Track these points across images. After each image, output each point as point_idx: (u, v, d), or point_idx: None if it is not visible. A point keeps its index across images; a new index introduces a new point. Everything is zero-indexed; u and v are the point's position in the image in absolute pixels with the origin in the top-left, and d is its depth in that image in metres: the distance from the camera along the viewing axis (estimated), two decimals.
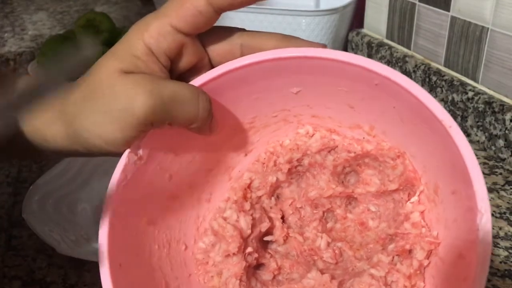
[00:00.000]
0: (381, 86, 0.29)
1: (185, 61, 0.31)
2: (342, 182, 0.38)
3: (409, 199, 0.34)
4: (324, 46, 0.31)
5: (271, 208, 0.38)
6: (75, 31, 0.89)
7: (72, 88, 0.31)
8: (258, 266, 0.37)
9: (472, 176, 0.26)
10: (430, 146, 0.30)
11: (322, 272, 0.34)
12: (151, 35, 0.29)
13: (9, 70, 1.04)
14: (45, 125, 0.32)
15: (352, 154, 0.36)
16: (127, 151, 0.30)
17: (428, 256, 0.32)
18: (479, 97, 0.65)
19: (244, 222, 0.35)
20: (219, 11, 0.29)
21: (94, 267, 0.49)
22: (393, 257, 0.33)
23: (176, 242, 0.35)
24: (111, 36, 0.89)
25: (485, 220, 0.25)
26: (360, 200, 0.37)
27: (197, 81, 0.31)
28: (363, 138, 0.35)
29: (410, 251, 0.33)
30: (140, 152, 0.31)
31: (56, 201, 0.55)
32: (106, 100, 0.29)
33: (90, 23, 0.88)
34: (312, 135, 0.37)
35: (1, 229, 0.52)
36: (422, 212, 0.33)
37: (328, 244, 0.36)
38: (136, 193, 0.32)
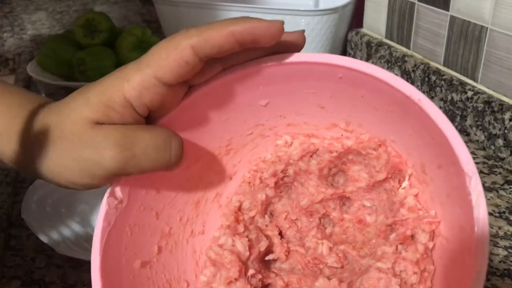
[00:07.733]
0: (345, 78, 0.29)
1: (164, 110, 0.30)
2: (332, 184, 0.38)
3: (400, 186, 0.34)
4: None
5: (266, 226, 0.37)
6: (74, 31, 0.89)
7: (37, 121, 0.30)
8: (265, 287, 0.36)
9: (451, 142, 0.25)
10: (407, 126, 0.30)
11: (329, 278, 0.34)
12: (132, 87, 0.27)
13: None
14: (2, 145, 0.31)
15: (335, 154, 0.36)
16: (106, 196, 0.30)
17: (432, 238, 0.32)
18: (479, 97, 0.65)
19: (241, 245, 0.34)
20: (204, 59, 0.28)
21: None
22: (396, 247, 0.33)
23: (177, 281, 0.34)
24: (110, 36, 0.89)
25: (474, 183, 0.25)
26: (353, 198, 0.37)
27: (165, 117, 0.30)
28: (342, 135, 0.35)
29: (412, 236, 0.32)
30: (119, 194, 0.30)
31: (55, 201, 0.55)
32: (75, 147, 0.28)
33: (89, 23, 0.88)
34: (291, 144, 0.37)
35: (0, 229, 0.52)
36: (416, 195, 0.33)
37: (330, 249, 0.36)
38: (123, 237, 0.31)
